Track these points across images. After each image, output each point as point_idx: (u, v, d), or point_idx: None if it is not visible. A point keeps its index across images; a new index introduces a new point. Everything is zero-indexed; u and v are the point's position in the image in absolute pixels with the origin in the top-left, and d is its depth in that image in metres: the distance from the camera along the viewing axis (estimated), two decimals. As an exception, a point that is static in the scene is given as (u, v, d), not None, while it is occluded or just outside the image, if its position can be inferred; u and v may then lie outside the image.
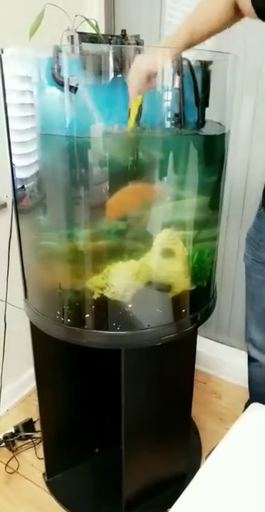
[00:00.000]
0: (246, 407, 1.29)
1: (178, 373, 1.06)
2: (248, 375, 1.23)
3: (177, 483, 1.11)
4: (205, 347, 1.69)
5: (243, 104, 1.35)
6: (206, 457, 1.18)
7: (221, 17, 0.80)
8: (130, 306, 0.87)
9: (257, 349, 1.12)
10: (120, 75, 0.78)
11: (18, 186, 0.91)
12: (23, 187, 0.90)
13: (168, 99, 0.84)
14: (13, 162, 0.89)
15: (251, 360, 1.19)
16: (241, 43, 1.17)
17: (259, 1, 0.75)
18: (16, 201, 0.94)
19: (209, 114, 0.92)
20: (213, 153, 0.93)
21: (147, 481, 1.14)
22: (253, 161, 1.28)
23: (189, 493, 0.77)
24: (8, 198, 1.24)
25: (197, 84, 0.88)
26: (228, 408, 1.49)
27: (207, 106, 0.92)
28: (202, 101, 0.90)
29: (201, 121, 0.91)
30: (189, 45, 0.78)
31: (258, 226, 0.99)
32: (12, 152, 0.88)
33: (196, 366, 1.16)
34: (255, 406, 0.94)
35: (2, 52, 0.80)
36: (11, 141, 0.87)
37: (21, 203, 0.93)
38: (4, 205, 1.26)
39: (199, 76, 0.87)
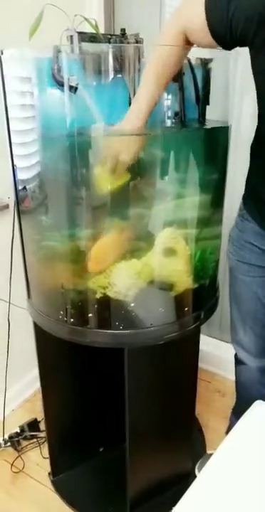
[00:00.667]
0: (233, 411, 1.28)
1: (181, 372, 1.06)
2: (236, 378, 1.21)
3: (181, 481, 1.11)
4: (209, 346, 1.68)
5: (244, 102, 1.34)
6: (201, 462, 1.18)
7: (179, 54, 0.78)
8: (132, 305, 0.88)
9: (245, 351, 1.10)
10: (119, 74, 0.78)
11: (20, 187, 0.91)
12: (24, 188, 0.90)
13: (168, 98, 0.84)
14: (14, 163, 0.90)
15: (238, 362, 1.16)
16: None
17: (214, 20, 0.72)
18: (17, 202, 0.94)
19: (210, 112, 0.92)
20: (214, 150, 0.93)
21: (152, 480, 1.14)
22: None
23: (193, 492, 0.77)
24: (10, 199, 1.25)
25: (198, 82, 0.87)
26: (232, 407, 1.48)
27: (208, 104, 0.91)
28: (203, 99, 0.90)
29: (202, 119, 0.91)
30: (154, 103, 0.77)
31: (241, 227, 0.98)
32: (13, 153, 0.89)
33: (200, 365, 1.16)
34: (259, 404, 0.94)
35: (2, 53, 0.81)
36: (12, 142, 0.88)
37: (22, 203, 0.93)
38: (6, 206, 1.26)
39: (199, 74, 0.87)
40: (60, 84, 0.75)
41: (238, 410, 1.22)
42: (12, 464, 1.29)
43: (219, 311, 1.09)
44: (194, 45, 0.79)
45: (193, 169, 0.86)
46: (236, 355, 1.17)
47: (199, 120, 0.91)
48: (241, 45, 0.74)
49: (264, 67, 0.73)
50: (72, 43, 0.81)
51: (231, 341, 1.16)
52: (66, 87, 0.75)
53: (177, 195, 0.88)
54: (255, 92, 0.80)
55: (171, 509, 0.74)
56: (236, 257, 1.00)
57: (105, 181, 0.80)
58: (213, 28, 0.73)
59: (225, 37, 0.73)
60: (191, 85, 0.87)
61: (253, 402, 0.94)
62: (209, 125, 0.93)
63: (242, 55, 0.87)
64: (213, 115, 0.93)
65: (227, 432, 1.07)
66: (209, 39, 0.75)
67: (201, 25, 0.74)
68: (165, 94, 0.83)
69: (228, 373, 1.62)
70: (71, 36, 0.81)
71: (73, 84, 0.75)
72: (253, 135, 0.88)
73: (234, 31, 0.71)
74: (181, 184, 0.87)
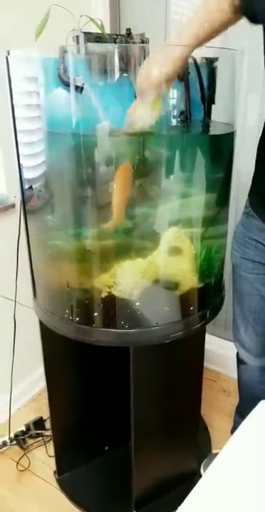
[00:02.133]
0: (236, 410, 1.28)
1: (187, 371, 1.06)
2: (238, 377, 1.20)
3: (187, 481, 1.11)
4: (214, 345, 1.68)
5: (250, 101, 1.34)
6: (207, 461, 1.18)
7: (223, 15, 0.72)
8: (137, 304, 0.88)
9: (246, 351, 1.10)
10: (125, 74, 0.78)
11: (26, 186, 0.92)
12: (30, 187, 0.91)
13: (174, 97, 0.84)
14: (20, 163, 0.90)
15: (240, 362, 1.16)
16: (247, 39, 1.16)
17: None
18: (24, 201, 0.95)
19: (216, 111, 0.92)
20: (220, 150, 0.92)
21: (157, 479, 1.14)
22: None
23: (198, 492, 0.77)
24: (16, 198, 1.26)
25: (203, 81, 0.87)
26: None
27: (213, 103, 0.91)
28: (208, 98, 0.90)
29: (208, 119, 0.91)
30: (196, 46, 0.72)
31: (246, 224, 0.98)
32: (20, 153, 0.89)
33: (206, 364, 1.16)
34: (263, 404, 0.93)
35: (8, 53, 0.81)
36: (19, 141, 0.88)
37: (28, 203, 0.94)
38: (13, 206, 1.27)
39: (204, 73, 0.87)
40: (66, 85, 0.76)
41: (242, 409, 1.23)
42: (18, 462, 1.29)
43: (224, 310, 1.09)
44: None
45: (198, 169, 0.86)
46: (237, 354, 1.16)
47: (205, 119, 0.91)
48: None
49: None
50: (78, 43, 0.81)
51: (233, 340, 1.16)
52: (72, 87, 0.75)
53: (182, 195, 0.88)
54: (260, 92, 0.80)
55: (176, 508, 0.74)
56: (240, 254, 1.00)
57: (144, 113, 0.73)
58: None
59: None
60: (197, 84, 0.87)
61: (255, 401, 0.94)
62: (215, 127, 0.92)
63: (247, 53, 0.88)
64: (219, 114, 0.93)
65: (232, 432, 1.07)
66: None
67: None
68: (171, 93, 0.83)
69: (233, 373, 1.60)
70: (77, 37, 0.82)
71: (79, 84, 0.75)
72: (258, 133, 0.88)
73: None
74: (186, 183, 0.87)
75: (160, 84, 0.71)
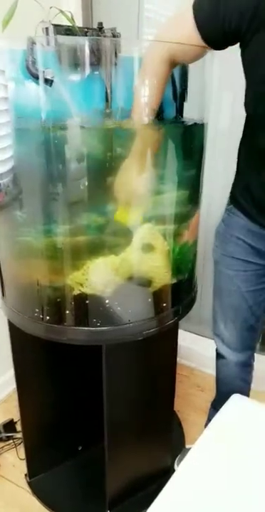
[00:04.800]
0: (212, 405, 1.30)
1: (160, 367, 1.07)
2: (216, 372, 1.22)
3: (161, 477, 1.11)
4: (188, 340, 1.70)
5: (222, 101, 1.36)
6: (180, 457, 1.19)
7: (163, 77, 0.80)
8: (110, 301, 0.87)
9: (225, 345, 1.12)
10: (96, 68, 0.77)
11: (-6, 182, 0.89)
12: (-2, 182, 0.88)
13: (145, 95, 0.84)
14: (-12, 157, 0.87)
15: (219, 356, 1.18)
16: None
17: (204, 20, 0.74)
18: (-9, 197, 0.92)
19: (187, 109, 0.92)
20: (191, 146, 0.93)
21: (132, 477, 1.14)
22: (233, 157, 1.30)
23: (171, 487, 0.77)
24: (-16, 194, 1.21)
25: (175, 79, 0.88)
26: (211, 401, 1.50)
27: (185, 101, 0.92)
28: (180, 96, 0.90)
29: (180, 116, 0.91)
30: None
31: (227, 221, 1.00)
32: (-13, 147, 0.86)
33: (179, 360, 1.16)
34: (236, 397, 0.95)
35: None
36: (-14, 135, 0.85)
37: (-4, 198, 0.91)
38: (-19, 202, 1.23)
39: (176, 71, 0.87)
40: (34, 77, 0.73)
41: (218, 404, 1.24)
42: (-12, 467, 1.26)
43: (197, 306, 1.10)
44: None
45: (170, 165, 0.86)
46: (216, 349, 1.18)
47: (177, 117, 0.91)
48: (233, 41, 0.77)
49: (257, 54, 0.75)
50: (47, 35, 0.79)
51: (212, 334, 1.17)
52: (41, 80, 0.73)
53: (155, 191, 0.88)
54: (233, 89, 0.82)
55: (150, 505, 0.74)
56: (221, 250, 1.02)
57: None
58: (203, 29, 0.75)
59: (217, 35, 0.75)
60: (169, 82, 0.87)
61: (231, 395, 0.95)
62: (185, 122, 0.93)
63: (217, 54, 0.89)
64: (190, 112, 0.94)
65: (206, 425, 1.09)
66: (198, 49, 0.77)
67: (190, 33, 0.76)
68: (143, 91, 0.82)
69: (207, 368, 1.64)
70: (46, 28, 0.80)
71: (49, 77, 0.73)
72: (231, 131, 0.90)
73: (227, 27, 0.73)
74: (158, 180, 0.87)
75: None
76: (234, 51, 0.79)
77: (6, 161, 0.84)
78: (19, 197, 0.86)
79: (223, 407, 0.93)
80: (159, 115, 0.86)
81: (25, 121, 0.78)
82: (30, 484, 1.21)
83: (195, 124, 0.92)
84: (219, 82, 1.31)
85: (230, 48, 0.80)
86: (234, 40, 0.76)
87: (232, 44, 0.78)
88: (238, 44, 0.78)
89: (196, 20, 0.75)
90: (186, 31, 0.76)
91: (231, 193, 0.98)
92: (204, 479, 0.78)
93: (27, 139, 0.82)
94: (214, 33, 0.75)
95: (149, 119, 0.82)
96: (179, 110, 0.92)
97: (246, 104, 0.84)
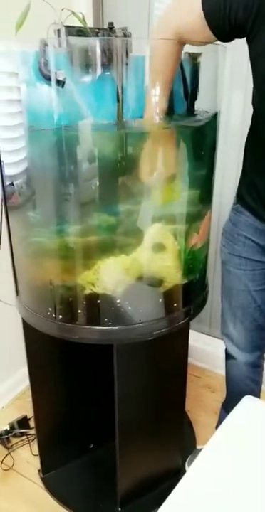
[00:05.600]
0: (222, 406, 1.29)
1: (171, 367, 1.07)
2: (226, 372, 1.21)
3: (172, 477, 1.12)
4: (200, 341, 1.69)
5: (234, 97, 1.34)
6: (191, 458, 1.18)
7: (173, 59, 0.79)
8: (121, 301, 0.87)
9: (234, 345, 1.11)
10: (107, 69, 0.77)
11: (7, 183, 0.90)
12: (12, 183, 0.89)
13: (156, 94, 0.84)
14: (1, 159, 0.88)
15: (228, 357, 1.17)
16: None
17: (211, 11, 0.73)
18: (5, 198, 0.93)
19: (198, 107, 0.92)
20: (203, 145, 0.92)
21: (142, 476, 1.14)
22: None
23: (182, 488, 0.77)
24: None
25: (186, 77, 0.87)
26: (222, 402, 1.49)
27: (196, 99, 0.91)
28: (191, 94, 0.90)
29: (191, 114, 0.91)
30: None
31: (234, 220, 0.99)
32: (0, 148, 0.88)
33: (191, 360, 1.16)
34: (247, 399, 0.94)
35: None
36: (0, 137, 0.87)
37: (10, 199, 0.92)
38: (-5, 202, 1.25)
39: (187, 69, 0.87)
40: (47, 79, 0.74)
41: (229, 405, 1.23)
42: (2, 462, 1.28)
43: (208, 307, 1.09)
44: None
45: (184, 164, 0.86)
46: (226, 349, 1.17)
47: (188, 115, 0.91)
48: (239, 34, 0.76)
49: (259, 52, 0.74)
50: (59, 36, 0.80)
51: (221, 334, 1.17)
52: (53, 82, 0.74)
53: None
54: (245, 87, 0.81)
55: (161, 504, 0.74)
56: (228, 249, 1.01)
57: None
58: (210, 20, 0.74)
59: (223, 26, 0.74)
60: (180, 80, 0.87)
61: (242, 396, 0.95)
62: (197, 120, 0.92)
63: (230, 49, 0.88)
64: (201, 110, 0.93)
65: (217, 427, 1.08)
66: (205, 33, 0.75)
67: (197, 20, 0.74)
68: (153, 90, 0.82)
69: (218, 369, 1.63)
70: (58, 30, 0.80)
71: (61, 78, 0.74)
72: (243, 131, 0.89)
73: (233, 20, 0.72)
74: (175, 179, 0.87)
75: None
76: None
77: (20, 163, 0.85)
78: (32, 198, 0.87)
79: (235, 408, 0.93)
80: (171, 112, 0.86)
81: (38, 123, 0.79)
82: (43, 480, 1.23)
83: (205, 124, 0.92)
84: (231, 80, 1.30)
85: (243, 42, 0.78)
86: (240, 33, 0.75)
87: (240, 37, 0.76)
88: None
89: (203, 8, 0.74)
90: (193, 18, 0.75)
91: (238, 191, 0.98)
92: (215, 481, 0.77)
93: (40, 141, 0.82)
94: (221, 24, 0.74)
95: (161, 117, 0.83)
96: (190, 108, 0.91)
97: (252, 101, 0.84)
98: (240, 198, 0.97)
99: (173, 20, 0.78)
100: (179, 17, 0.78)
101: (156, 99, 0.80)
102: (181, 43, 0.79)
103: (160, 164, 0.83)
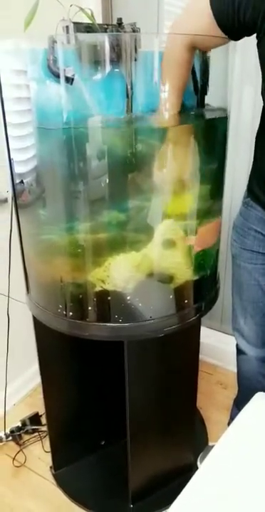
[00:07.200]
0: (235, 402, 1.28)
1: (182, 364, 1.06)
2: (237, 368, 1.21)
3: (184, 474, 1.11)
4: (211, 338, 1.68)
5: (244, 92, 1.33)
6: (203, 454, 1.18)
7: (187, 66, 0.80)
8: (132, 297, 0.87)
9: (245, 340, 1.11)
10: (116, 65, 0.76)
11: (17, 181, 0.91)
12: (22, 181, 0.90)
13: (165, 90, 0.83)
14: (11, 157, 0.89)
15: (239, 352, 1.17)
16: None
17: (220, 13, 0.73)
18: (15, 196, 0.94)
19: (208, 102, 0.91)
20: (213, 140, 0.91)
21: (154, 473, 1.14)
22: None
23: (194, 484, 0.77)
24: (8, 193, 1.24)
25: (196, 72, 0.86)
26: (233, 398, 1.48)
27: (206, 94, 0.90)
28: (201, 89, 0.89)
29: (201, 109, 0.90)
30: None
31: (244, 214, 0.99)
32: (10, 147, 0.88)
33: (202, 357, 1.15)
34: (259, 395, 0.93)
35: (-4, 45, 0.80)
36: (9, 135, 0.87)
37: (20, 197, 0.93)
38: (5, 200, 1.26)
39: (197, 64, 0.86)
40: (56, 76, 0.74)
41: (240, 401, 1.23)
42: (14, 458, 1.29)
43: (220, 303, 1.08)
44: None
45: (197, 160, 0.85)
46: (237, 344, 1.17)
47: (198, 110, 0.90)
48: (248, 33, 0.76)
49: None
50: (68, 33, 0.80)
51: (232, 330, 1.16)
52: (62, 79, 0.74)
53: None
54: (254, 84, 0.81)
55: (173, 501, 0.74)
56: (239, 244, 1.01)
57: None
58: (219, 18, 0.74)
59: (232, 25, 0.74)
60: (190, 75, 0.86)
61: (254, 392, 0.94)
62: (207, 115, 0.91)
63: (240, 45, 0.87)
64: (212, 105, 0.92)
65: (229, 424, 1.08)
66: (217, 35, 0.77)
67: (208, 21, 0.75)
68: (162, 86, 0.82)
69: (230, 365, 1.62)
70: (67, 27, 0.80)
71: (69, 75, 0.74)
72: (253, 125, 0.88)
73: (242, 18, 0.73)
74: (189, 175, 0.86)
75: None
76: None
77: (29, 161, 0.85)
78: (42, 196, 0.87)
79: (247, 405, 0.92)
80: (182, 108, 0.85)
81: (47, 120, 0.79)
82: (55, 476, 1.24)
83: (216, 118, 0.91)
84: (241, 75, 1.29)
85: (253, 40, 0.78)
86: (250, 31, 0.75)
87: (249, 35, 0.77)
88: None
89: (212, 7, 0.74)
90: (204, 20, 0.76)
91: (248, 185, 0.97)
92: (228, 478, 0.77)
93: (49, 138, 0.82)
94: (230, 23, 0.74)
95: (176, 113, 0.82)
96: (200, 103, 0.90)
97: (262, 95, 0.83)
98: (250, 191, 0.96)
99: (184, 30, 0.79)
100: (190, 25, 0.79)
101: (170, 105, 0.81)
102: (193, 49, 0.79)
103: (177, 163, 0.83)
